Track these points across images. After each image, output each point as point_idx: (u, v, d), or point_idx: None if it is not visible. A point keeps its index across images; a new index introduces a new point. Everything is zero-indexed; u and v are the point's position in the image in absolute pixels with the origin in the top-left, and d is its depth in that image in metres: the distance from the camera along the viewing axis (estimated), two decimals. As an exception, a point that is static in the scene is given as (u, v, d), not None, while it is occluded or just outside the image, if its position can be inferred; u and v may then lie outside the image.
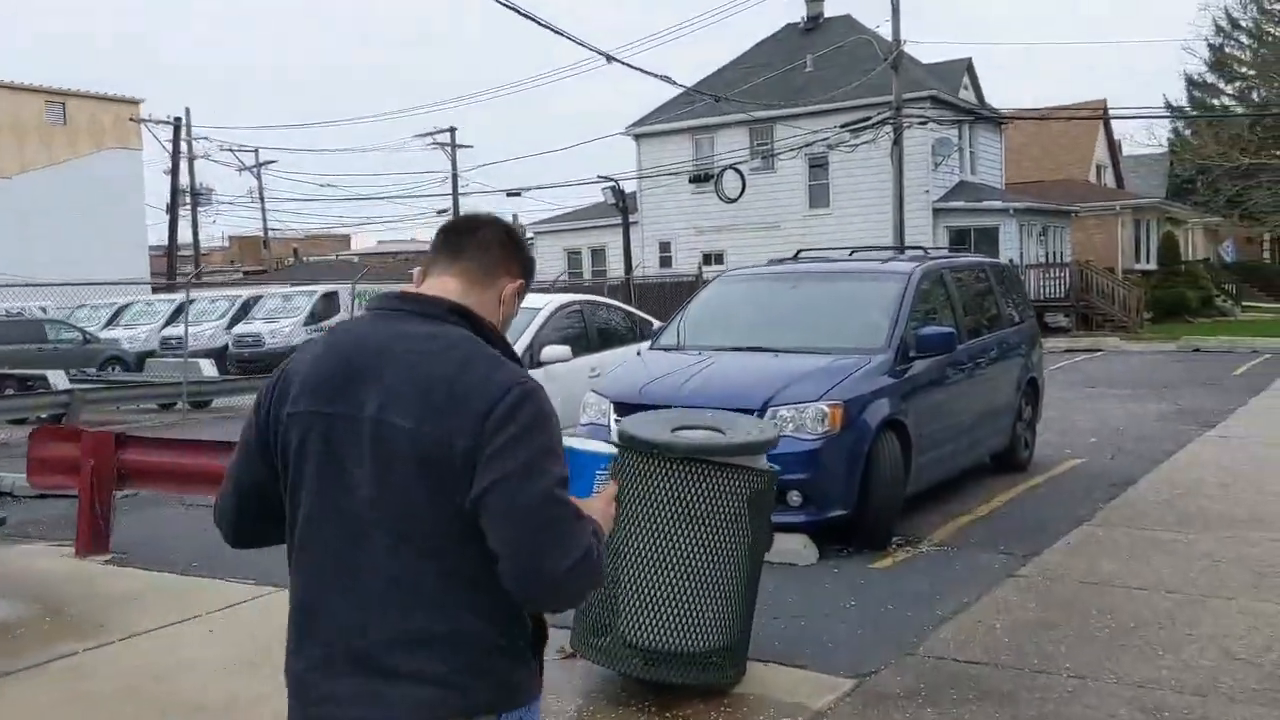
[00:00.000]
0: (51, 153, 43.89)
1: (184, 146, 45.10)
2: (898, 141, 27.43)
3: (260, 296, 30.52)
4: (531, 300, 10.88)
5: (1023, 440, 9.92)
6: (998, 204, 32.27)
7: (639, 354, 8.58)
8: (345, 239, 69.18)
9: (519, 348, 9.22)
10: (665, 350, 8.40)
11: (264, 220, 57.63)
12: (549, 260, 37.43)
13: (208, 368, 19.31)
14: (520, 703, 1.94)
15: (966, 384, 8.70)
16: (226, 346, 28.22)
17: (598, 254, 38.25)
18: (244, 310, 29.97)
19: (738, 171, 31.43)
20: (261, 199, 56.72)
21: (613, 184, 29.26)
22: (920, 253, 10.02)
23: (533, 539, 1.81)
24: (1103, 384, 18.13)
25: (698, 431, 4.72)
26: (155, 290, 34.41)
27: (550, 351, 9.40)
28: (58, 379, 17.14)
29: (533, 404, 1.88)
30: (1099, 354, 25.17)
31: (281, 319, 28.46)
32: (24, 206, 40.67)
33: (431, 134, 51.66)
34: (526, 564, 1.81)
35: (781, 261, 9.79)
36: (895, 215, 27.23)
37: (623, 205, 29.84)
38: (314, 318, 27.75)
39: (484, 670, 1.88)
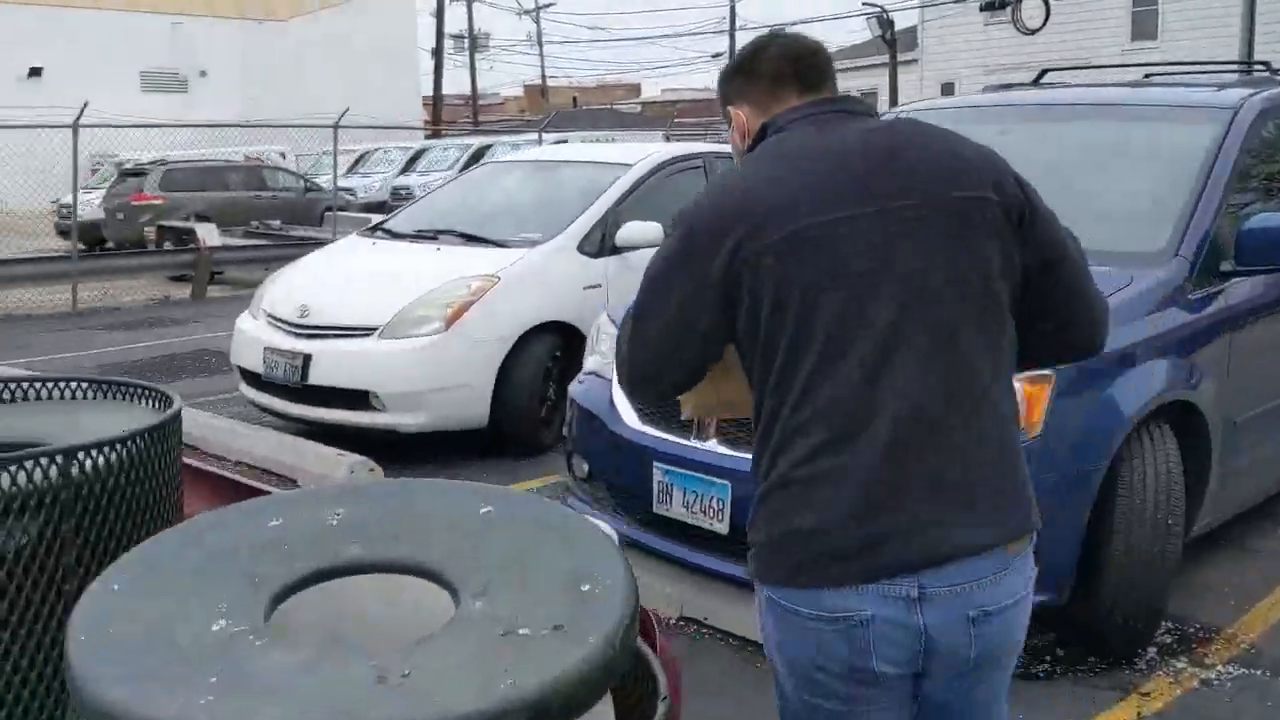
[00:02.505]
0: None
1: None
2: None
3: (491, 145, 28.52)
4: (620, 152, 7.43)
5: None
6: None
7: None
8: (635, 88, 67.16)
9: (585, 222, 5.90)
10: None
11: (542, 67, 56.44)
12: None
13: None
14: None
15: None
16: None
17: (867, 97, 33.57)
18: (475, 159, 28.13)
19: (1041, -4, 25.89)
20: (540, 44, 55.39)
21: (878, 11, 24.62)
22: (1265, 74, 5.80)
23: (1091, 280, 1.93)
24: None
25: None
26: (432, 134, 33.03)
27: (633, 231, 6.09)
28: (208, 233, 15.39)
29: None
30: None
31: (434, 172, 26.36)
32: (297, 50, 40.62)
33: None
34: (1097, 302, 1.93)
35: (1009, 88, 5.93)
36: (1242, 45, 21.34)
37: (890, 38, 25.23)
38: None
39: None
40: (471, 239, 6.30)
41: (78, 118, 12.33)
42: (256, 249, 14.71)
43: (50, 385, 2.49)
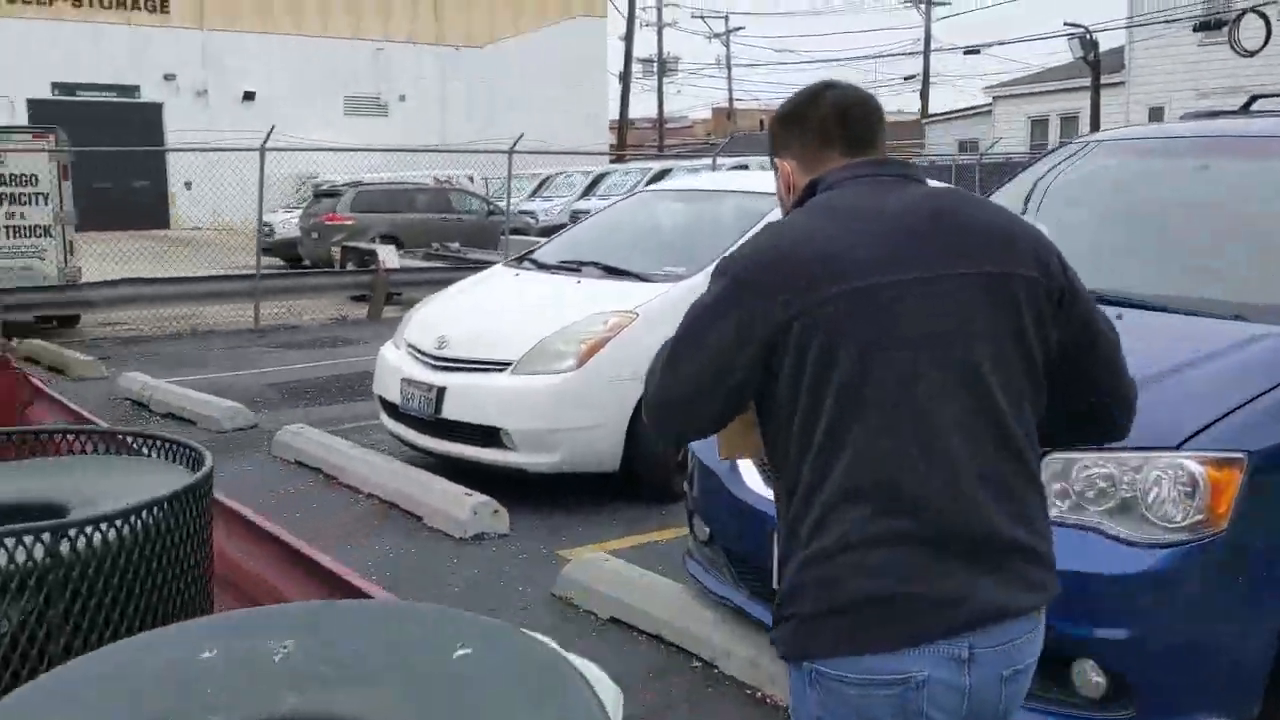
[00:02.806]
0: (520, 22, 44.62)
1: (650, 14, 44.48)
2: None
3: (670, 170, 28.48)
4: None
5: None
6: None
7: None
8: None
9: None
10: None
11: (730, 90, 56.42)
12: (1010, 128, 31.89)
13: (550, 249, 17.21)
14: None
15: None
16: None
17: (1068, 122, 31.99)
18: (655, 183, 28.17)
19: (1262, 15, 24.11)
20: (728, 67, 55.40)
21: (1082, 31, 23.36)
22: None
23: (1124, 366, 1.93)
24: None
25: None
26: (616, 159, 33.41)
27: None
28: (388, 255, 15.76)
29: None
30: None
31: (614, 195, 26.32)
32: (492, 76, 41.60)
33: (907, -9, 47.14)
34: (1127, 387, 1.95)
35: (1213, 115, 5.26)
36: None
37: (1095, 59, 23.86)
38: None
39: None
40: (614, 272, 6.03)
41: (264, 142, 12.76)
42: (432, 271, 14.93)
43: (73, 437, 2.32)
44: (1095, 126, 24.74)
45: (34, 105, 33.73)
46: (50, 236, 12.00)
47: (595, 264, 6.13)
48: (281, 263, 23.71)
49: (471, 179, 30.36)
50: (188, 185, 32.85)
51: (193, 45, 36.31)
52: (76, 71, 34.23)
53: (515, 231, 23.83)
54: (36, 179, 11.85)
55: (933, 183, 2.00)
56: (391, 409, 5.97)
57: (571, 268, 6.22)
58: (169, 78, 36.09)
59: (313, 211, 23.81)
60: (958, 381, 1.69)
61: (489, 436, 5.41)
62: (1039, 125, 32.90)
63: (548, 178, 31.26)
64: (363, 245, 17.05)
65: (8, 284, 11.60)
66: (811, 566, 1.69)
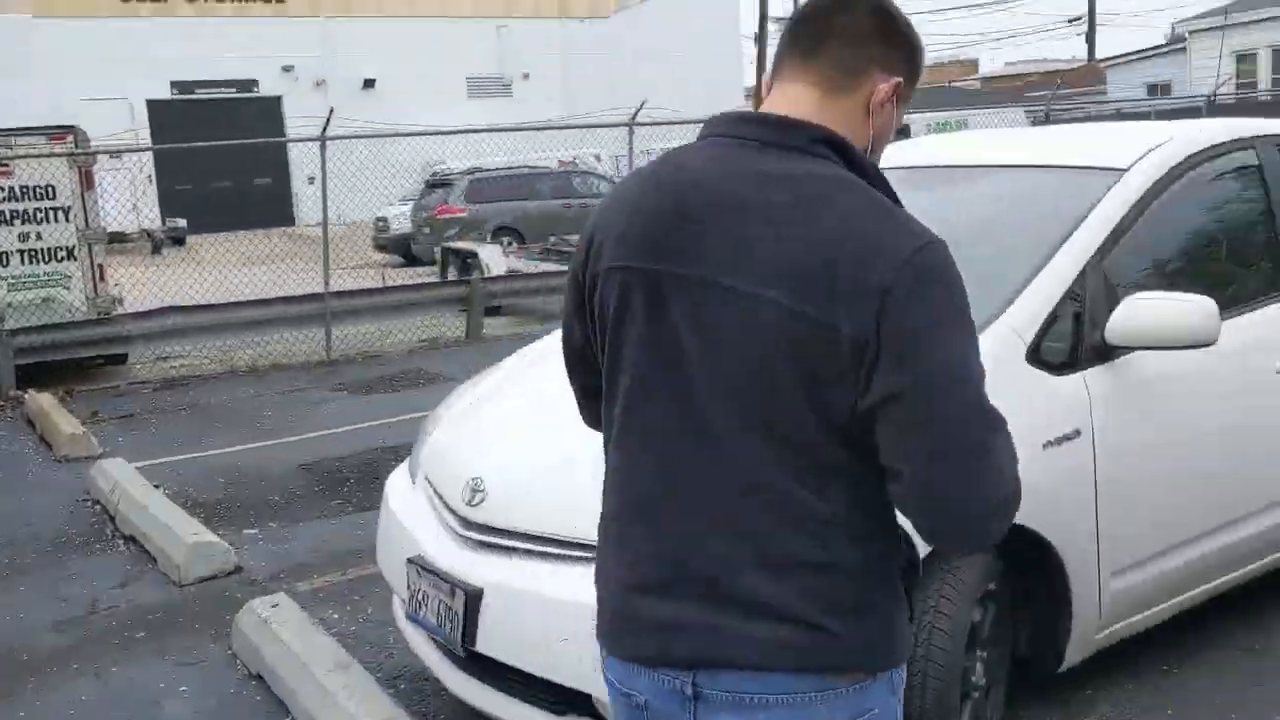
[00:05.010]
0: None
1: None
2: None
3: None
4: (1086, 144, 3.92)
5: None
6: None
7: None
8: (972, 64, 61.99)
9: (1039, 297, 2.68)
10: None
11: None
12: (1208, 71, 27.57)
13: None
14: (901, 659, 1.49)
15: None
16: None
17: (1283, 57, 27.51)
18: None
19: None
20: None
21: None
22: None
23: (952, 466, 1.34)
24: None
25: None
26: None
27: (1144, 313, 2.84)
28: (490, 258, 13.18)
29: (944, 278, 1.35)
30: None
31: None
32: (619, 47, 39.73)
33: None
34: (942, 495, 1.36)
35: None
36: None
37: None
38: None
39: (860, 610, 1.42)
40: None
41: (324, 129, 10.30)
42: (545, 276, 12.27)
43: None
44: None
45: (153, 106, 32.89)
46: (74, 259, 9.78)
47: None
48: (401, 260, 21.69)
49: (599, 158, 27.91)
50: (310, 180, 31.60)
51: (309, 35, 35.34)
52: (194, 69, 33.49)
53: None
54: (54, 191, 9.63)
55: (838, 172, 1.41)
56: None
57: None
58: (287, 69, 35.17)
59: (425, 204, 21.63)
60: (667, 406, 1.48)
61: (569, 701, 2.66)
62: (1246, 61, 28.43)
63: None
64: (464, 246, 14.52)
65: (23, 321, 9.43)
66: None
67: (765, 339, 1.36)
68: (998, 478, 1.35)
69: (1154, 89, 29.75)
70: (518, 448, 3.05)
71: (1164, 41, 34.96)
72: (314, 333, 10.50)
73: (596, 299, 1.53)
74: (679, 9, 41.19)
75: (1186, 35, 29.45)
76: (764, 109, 1.50)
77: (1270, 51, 28.06)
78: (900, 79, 1.48)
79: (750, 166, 1.43)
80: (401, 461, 3.76)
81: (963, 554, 1.48)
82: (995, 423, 1.36)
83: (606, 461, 1.57)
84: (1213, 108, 17.82)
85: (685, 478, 1.44)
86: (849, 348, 1.31)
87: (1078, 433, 2.81)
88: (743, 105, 41.02)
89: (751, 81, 41.31)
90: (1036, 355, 2.85)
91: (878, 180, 1.44)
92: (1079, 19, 44.88)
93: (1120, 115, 21.75)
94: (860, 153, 1.46)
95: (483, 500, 2.89)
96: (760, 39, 37.59)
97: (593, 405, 1.64)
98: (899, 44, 1.49)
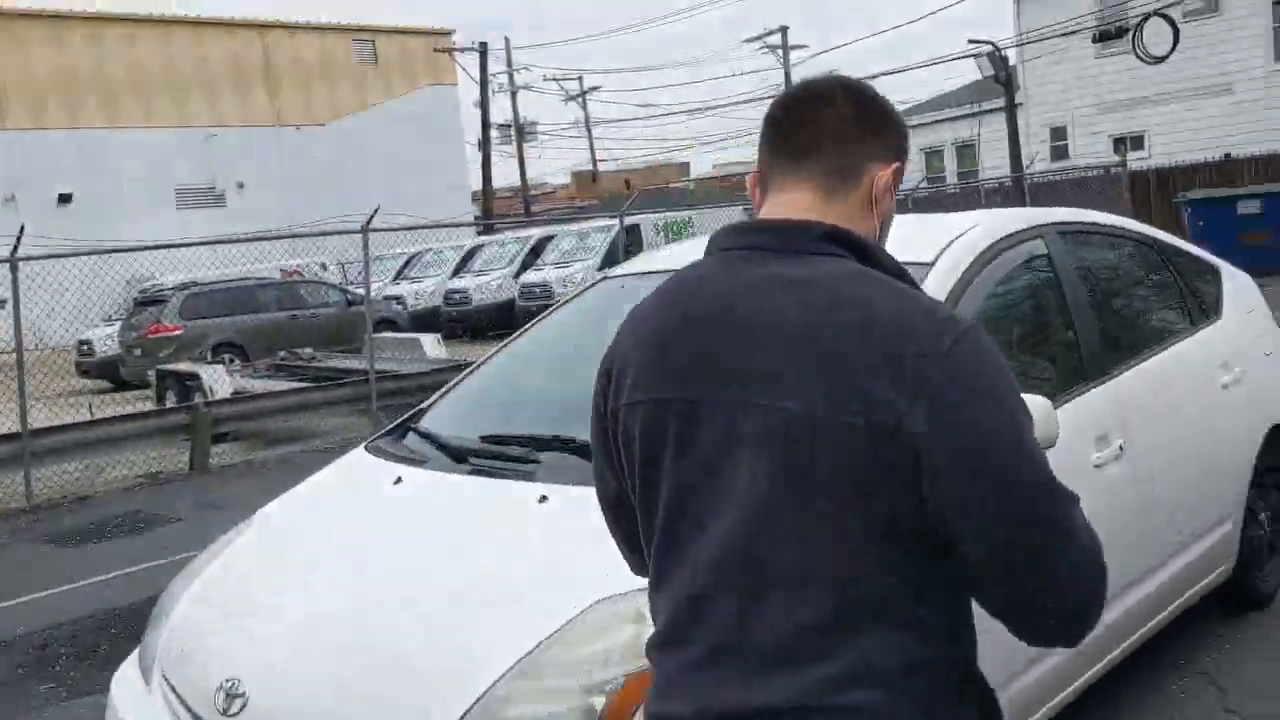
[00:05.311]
0: (364, 95, 42.22)
1: (503, 79, 42.48)
2: None
3: (553, 237, 25.40)
4: (907, 244, 3.83)
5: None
6: None
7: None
8: (684, 166, 64.87)
9: None
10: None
11: (592, 151, 54.55)
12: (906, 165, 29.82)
13: (431, 346, 13.73)
14: None
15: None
16: (513, 301, 23.33)
17: (964, 151, 30.14)
18: (535, 255, 25.03)
19: (1166, 18, 22.39)
20: (588, 128, 53.53)
21: (990, 48, 21.17)
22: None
23: (1035, 549, 1.27)
24: None
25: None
26: (481, 230, 30.10)
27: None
28: (214, 379, 12.12)
29: (989, 361, 1.32)
30: None
31: (574, 263, 23.24)
32: (338, 155, 39.10)
33: (761, 36, 45.88)
34: (1028, 591, 1.29)
35: None
36: None
37: (1006, 77, 21.70)
38: (611, 258, 22.28)
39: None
40: None
41: (14, 249, 9.19)
42: (277, 397, 11.36)
43: None
44: (1014, 147, 22.60)
45: None
46: None
47: (570, 443, 2.90)
48: (110, 386, 19.86)
49: (325, 266, 26.88)
50: (0, 304, 28.84)
51: (-7, 148, 32.47)
52: None
53: (383, 324, 20.44)
54: None
55: (854, 268, 1.37)
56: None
57: (516, 460, 2.90)
58: (-31, 184, 32.14)
59: (135, 323, 19.96)
60: (704, 559, 1.38)
61: None
62: (934, 156, 30.94)
63: (414, 256, 27.86)
64: (182, 368, 13.34)
65: None
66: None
67: (812, 453, 1.29)
68: (1082, 557, 1.29)
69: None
70: (284, 635, 2.45)
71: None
72: (11, 477, 9.21)
73: (621, 435, 1.46)
74: (402, 117, 41.08)
75: (881, 134, 31.76)
76: (764, 215, 1.47)
77: (954, 148, 30.66)
78: (897, 162, 1.47)
79: (766, 274, 1.38)
80: (129, 640, 3.07)
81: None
82: (1069, 499, 1.31)
83: (652, 605, 1.45)
84: (915, 202, 19.10)
85: (739, 633, 1.34)
86: (904, 449, 1.25)
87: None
88: (471, 209, 41.01)
89: (478, 185, 41.34)
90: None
91: (894, 270, 1.40)
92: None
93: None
94: (874, 245, 1.43)
95: (242, 709, 2.29)
96: (485, 142, 37.85)
97: (640, 555, 1.54)
98: (889, 131, 1.48)
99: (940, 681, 1.32)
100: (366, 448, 3.37)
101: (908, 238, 3.36)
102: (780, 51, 46.45)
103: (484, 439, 3.11)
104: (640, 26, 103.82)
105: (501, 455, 2.95)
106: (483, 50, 37.77)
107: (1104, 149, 26.06)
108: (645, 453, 1.42)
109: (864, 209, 1.45)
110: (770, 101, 1.52)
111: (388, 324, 21.46)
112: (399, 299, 25.23)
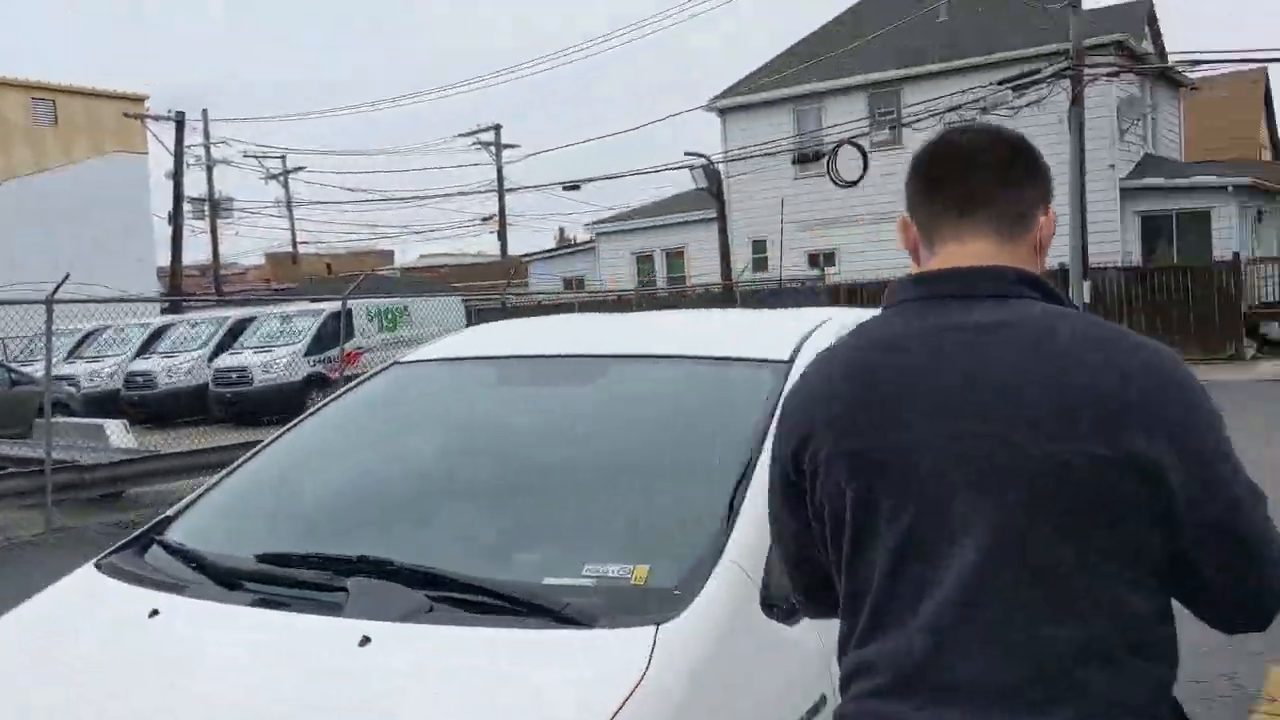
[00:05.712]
0: (40, 157, 39.01)
1: (201, 151, 40.36)
2: (1077, 100, 20.39)
3: (253, 319, 23.93)
4: (760, 343, 3.48)
5: None
6: (1212, 179, 24.61)
7: None
8: (389, 254, 63.66)
9: (757, 526, 2.05)
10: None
11: (293, 233, 52.69)
12: (613, 267, 30.55)
13: (117, 433, 12.35)
14: None
15: None
16: (205, 386, 21.68)
17: (674, 258, 31.22)
18: (232, 336, 23.45)
19: (857, 146, 24.25)
20: (290, 209, 51.73)
21: (704, 162, 22.10)
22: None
23: (1256, 563, 1.37)
24: None
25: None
26: (158, 307, 27.81)
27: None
28: None
29: (1195, 382, 1.39)
30: None
31: (277, 347, 21.92)
32: (7, 220, 35.65)
33: (475, 133, 46.06)
34: (1250, 590, 1.39)
35: None
36: (1074, 198, 19.97)
37: (718, 190, 22.69)
38: (319, 344, 21.18)
39: None
40: (464, 594, 2.13)
41: None
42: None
43: None
44: (724, 257, 23.53)
45: None
46: None
47: (386, 566, 2.35)
48: None
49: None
50: None
51: None
52: None
53: (53, 408, 18.35)
54: None
55: (1046, 307, 1.44)
56: None
57: (318, 589, 2.25)
58: None
59: None
60: (931, 607, 1.42)
61: None
62: (644, 262, 31.83)
63: (90, 333, 25.41)
64: None
65: None
66: None
67: (1056, 489, 1.31)
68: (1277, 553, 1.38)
69: (569, 282, 32.25)
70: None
71: (554, 244, 38.41)
72: None
73: (823, 489, 1.46)
74: (84, 183, 38.23)
75: (595, 236, 32.42)
76: (939, 265, 1.48)
77: (663, 253, 31.68)
78: (1052, 206, 1.55)
79: (963, 321, 1.41)
80: None
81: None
82: (1265, 500, 1.38)
83: (860, 658, 1.44)
84: (638, 302, 19.41)
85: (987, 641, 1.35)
86: (1149, 477, 1.30)
87: (824, 700, 2.21)
88: (157, 285, 38.29)
89: (164, 261, 38.71)
90: (768, 601, 2.23)
91: (1073, 306, 1.48)
92: (491, 217, 47.87)
93: (541, 307, 23.09)
94: (1053, 286, 1.47)
95: None
96: (176, 216, 35.54)
97: (817, 604, 1.62)
98: (1044, 176, 1.55)
99: (1172, 703, 1.39)
100: (98, 566, 2.68)
101: (757, 335, 3.13)
102: (493, 149, 46.81)
103: (262, 558, 2.49)
104: (352, 109, 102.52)
105: (290, 580, 2.36)
106: (179, 120, 35.75)
107: (801, 262, 27.65)
108: (859, 505, 1.41)
109: (1032, 253, 1.52)
110: (911, 159, 1.52)
111: (59, 407, 19.34)
112: (71, 379, 22.84)
